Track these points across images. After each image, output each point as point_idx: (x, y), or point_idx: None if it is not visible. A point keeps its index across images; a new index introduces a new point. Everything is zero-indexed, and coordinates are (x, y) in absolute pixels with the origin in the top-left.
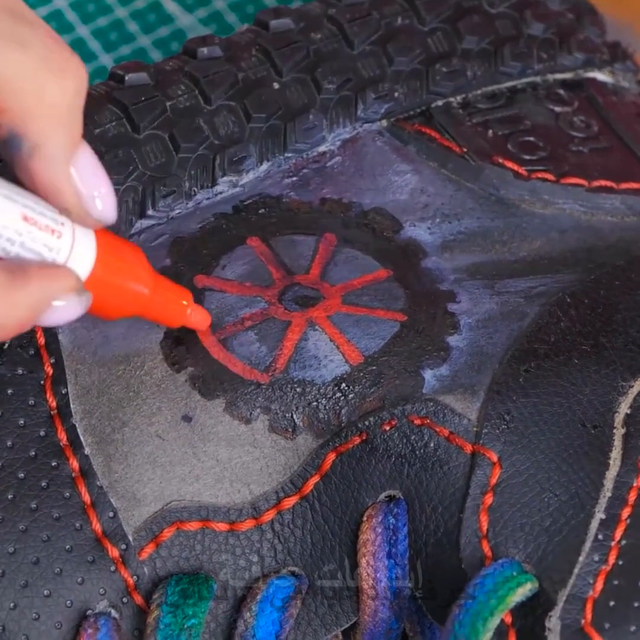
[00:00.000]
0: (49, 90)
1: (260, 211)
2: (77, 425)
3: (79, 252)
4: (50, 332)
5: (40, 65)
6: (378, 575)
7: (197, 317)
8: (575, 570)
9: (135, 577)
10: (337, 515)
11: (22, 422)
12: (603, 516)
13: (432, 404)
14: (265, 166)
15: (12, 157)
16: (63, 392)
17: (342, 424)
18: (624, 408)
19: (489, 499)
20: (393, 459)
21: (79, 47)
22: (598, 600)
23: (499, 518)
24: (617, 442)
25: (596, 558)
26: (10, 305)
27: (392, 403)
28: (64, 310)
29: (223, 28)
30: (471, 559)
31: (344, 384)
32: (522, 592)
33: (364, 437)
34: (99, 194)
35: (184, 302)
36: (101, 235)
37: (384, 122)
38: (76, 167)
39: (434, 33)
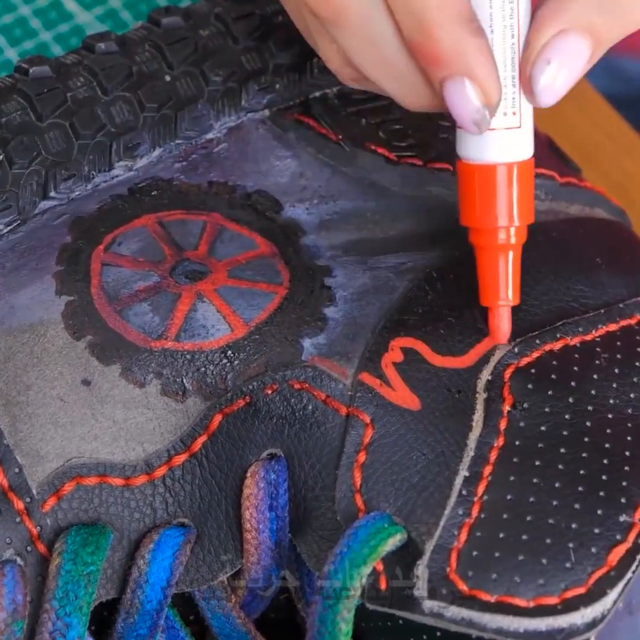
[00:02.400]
0: None
1: (153, 193)
2: None
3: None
4: None
5: None
6: (260, 526)
7: None
8: (441, 523)
9: (38, 527)
10: (223, 472)
11: None
12: (467, 474)
13: (310, 369)
14: (157, 152)
15: None
16: None
17: (228, 388)
18: (485, 374)
19: (362, 457)
20: (274, 420)
21: None
22: (462, 550)
23: (371, 474)
24: (479, 406)
25: (460, 512)
26: (452, 31)
27: (273, 369)
28: (460, 96)
29: (118, 25)
30: (346, 512)
31: (229, 351)
32: (393, 542)
33: (248, 400)
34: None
35: None
36: None
37: (266, 112)
38: (562, 39)
39: None
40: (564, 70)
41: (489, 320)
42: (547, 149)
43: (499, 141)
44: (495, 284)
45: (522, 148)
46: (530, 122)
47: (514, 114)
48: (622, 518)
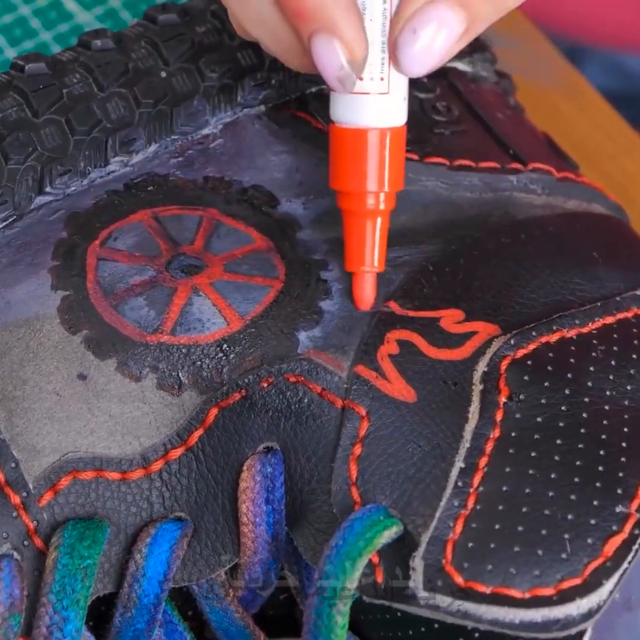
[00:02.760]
0: None
1: (149, 188)
2: None
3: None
4: None
5: None
6: (257, 519)
7: None
8: (437, 515)
9: (35, 522)
10: (219, 465)
11: None
12: (462, 465)
13: (306, 362)
14: (153, 147)
15: None
16: None
17: (224, 382)
18: (481, 366)
19: (358, 450)
20: (270, 414)
21: None
22: (458, 542)
23: (367, 467)
24: (475, 398)
25: (456, 503)
26: None
27: (269, 362)
28: (325, 51)
29: (118, 24)
30: (342, 504)
31: (225, 345)
32: (388, 534)
33: (244, 394)
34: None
35: None
36: None
37: (262, 107)
38: (433, 7)
39: None
40: (431, 41)
41: (353, 287)
42: (544, 146)
43: (369, 106)
44: (362, 249)
45: (393, 115)
46: (403, 90)
47: (381, 79)
48: (618, 509)
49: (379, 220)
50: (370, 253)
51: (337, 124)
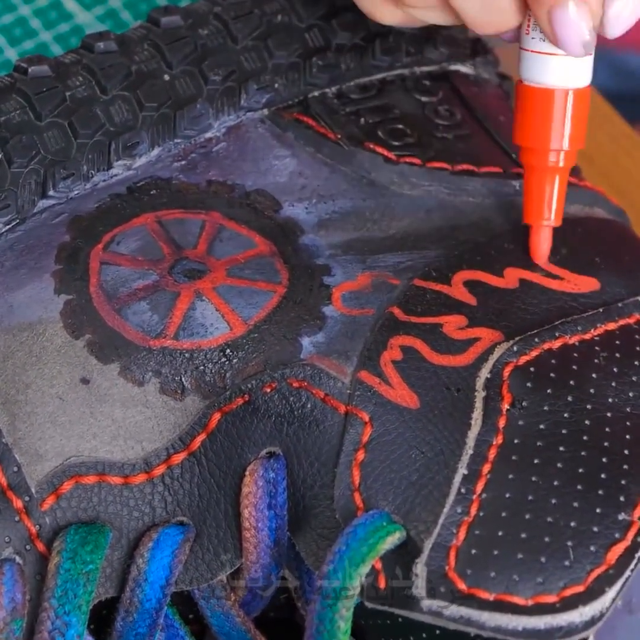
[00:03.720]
0: None
1: (152, 192)
2: None
3: None
4: None
5: None
6: (259, 524)
7: None
8: (440, 521)
9: (37, 526)
10: (222, 470)
11: None
12: (465, 472)
13: (309, 368)
14: (156, 151)
15: None
16: None
17: (227, 386)
18: (484, 372)
19: (361, 456)
20: (273, 419)
21: None
22: (461, 548)
23: (370, 473)
24: (479, 404)
25: (459, 510)
26: None
27: (272, 367)
28: (572, 21)
29: (118, 25)
30: (344, 510)
31: (228, 350)
32: (391, 540)
33: (247, 399)
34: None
35: None
36: None
37: (265, 111)
38: None
39: (311, 29)
40: (631, 1)
41: (531, 240)
42: None
43: (560, 67)
44: (541, 203)
45: (582, 76)
46: (591, 52)
47: None
48: (621, 516)
49: (557, 177)
50: (548, 207)
51: (525, 82)
